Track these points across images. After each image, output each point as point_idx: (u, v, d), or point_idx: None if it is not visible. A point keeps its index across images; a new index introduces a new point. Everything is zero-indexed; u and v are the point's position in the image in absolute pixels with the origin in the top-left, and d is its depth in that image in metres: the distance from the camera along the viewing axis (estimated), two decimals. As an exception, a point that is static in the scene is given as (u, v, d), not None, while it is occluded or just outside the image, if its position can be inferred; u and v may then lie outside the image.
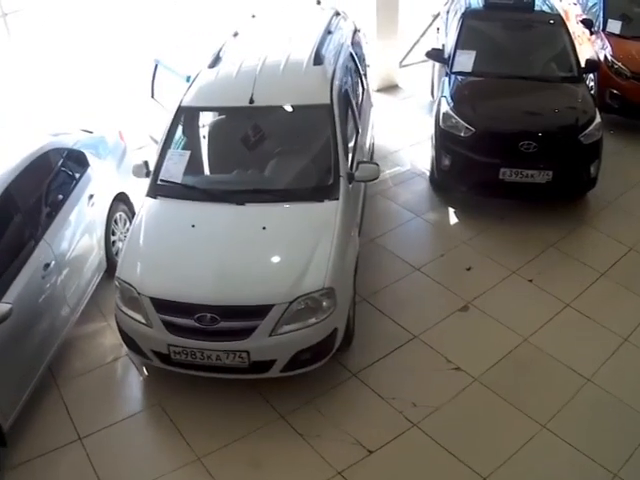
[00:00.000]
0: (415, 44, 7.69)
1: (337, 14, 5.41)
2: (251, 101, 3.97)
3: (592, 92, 6.34)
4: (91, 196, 4.27)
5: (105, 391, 3.76)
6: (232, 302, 3.25)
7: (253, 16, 5.31)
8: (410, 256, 4.74)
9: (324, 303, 3.35)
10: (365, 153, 4.76)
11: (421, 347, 4.00)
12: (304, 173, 4.01)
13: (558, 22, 5.75)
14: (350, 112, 4.50)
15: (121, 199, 4.63)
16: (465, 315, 4.24)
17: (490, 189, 4.98)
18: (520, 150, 4.75)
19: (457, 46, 5.49)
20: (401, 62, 7.58)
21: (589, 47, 6.77)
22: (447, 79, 5.42)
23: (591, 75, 6.51)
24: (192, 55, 5.34)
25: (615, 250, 4.87)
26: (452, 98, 5.16)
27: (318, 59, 4.25)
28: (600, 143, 5.01)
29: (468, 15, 5.72)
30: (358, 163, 4.01)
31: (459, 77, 5.37)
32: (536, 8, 5.84)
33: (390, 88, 7.25)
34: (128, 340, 3.60)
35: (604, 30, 6.63)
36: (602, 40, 6.57)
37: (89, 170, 4.37)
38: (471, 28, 5.61)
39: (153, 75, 5.77)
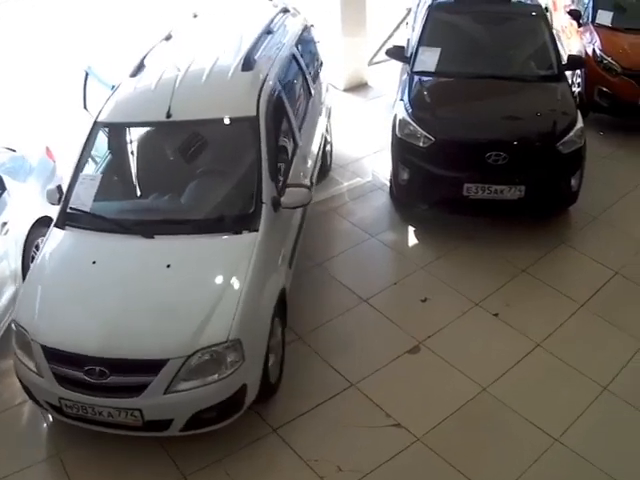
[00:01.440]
0: (387, 40, 6.99)
1: (285, 11, 4.79)
2: (168, 115, 3.41)
3: (575, 92, 5.71)
4: (4, 224, 3.74)
5: (7, 436, 3.24)
6: (121, 355, 2.80)
7: (195, 16, 4.70)
8: (358, 285, 4.11)
9: (229, 357, 2.82)
10: (308, 170, 4.14)
11: (358, 398, 3.37)
12: (222, 200, 3.44)
13: (537, 14, 5.04)
14: (287, 124, 3.92)
15: (47, 223, 3.95)
16: (414, 358, 3.60)
17: (454, 207, 4.34)
18: (487, 162, 4.10)
19: (420, 42, 4.82)
20: (371, 59, 6.93)
21: (577, 41, 6.09)
22: (407, 80, 4.76)
23: (578, 71, 5.84)
24: (123, 62, 4.66)
25: (598, 275, 4.20)
26: (411, 102, 4.50)
27: (248, 64, 3.67)
28: (582, 151, 4.35)
29: (435, 7, 5.02)
30: (285, 187, 3.42)
31: (421, 78, 4.69)
32: (514, 3, 5.18)
33: (359, 87, 6.60)
34: (24, 387, 3.15)
35: (593, 22, 5.95)
36: (591, 33, 5.87)
37: (5, 195, 3.86)
38: (437, 22, 4.91)
39: (84, 85, 5.18)
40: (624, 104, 5.55)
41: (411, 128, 4.30)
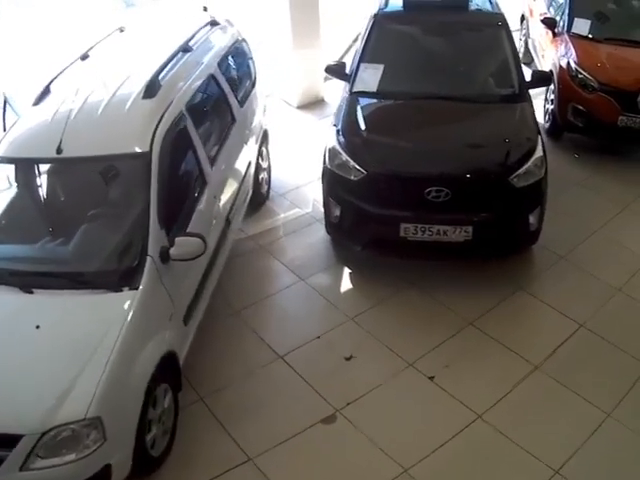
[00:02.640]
0: (346, 51, 6.43)
1: (214, 24, 4.23)
2: (59, 151, 2.97)
3: (548, 109, 5.18)
4: None
5: None
6: (-25, 426, 2.49)
7: (121, 30, 4.14)
8: (277, 338, 3.54)
9: (88, 436, 2.43)
10: (221, 211, 3.56)
11: (253, 475, 2.83)
12: (106, 250, 2.95)
13: (498, 24, 4.38)
14: (193, 159, 3.36)
15: None
16: (328, 430, 3.03)
17: (391, 249, 3.73)
18: (427, 199, 3.50)
19: (362, 58, 4.21)
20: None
21: (551, 52, 5.46)
22: (344, 102, 4.16)
23: (552, 86, 5.15)
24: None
25: (559, 329, 3.58)
26: (343, 128, 3.91)
27: (151, 90, 3.17)
28: (542, 184, 3.73)
29: (380, 17, 4.39)
30: (174, 237, 2.93)
31: (359, 99, 4.08)
32: (471, 7, 4.47)
33: (314, 104, 5.96)
34: None
35: (569, 31, 5.28)
36: (565, 44, 5.22)
37: None
38: (382, 35, 4.31)
39: (3, 110, 4.92)
40: (601, 124, 4.89)
41: (342, 159, 3.72)
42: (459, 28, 4.35)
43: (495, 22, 4.41)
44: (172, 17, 4.75)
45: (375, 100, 4.14)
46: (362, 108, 4.01)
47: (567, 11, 5.37)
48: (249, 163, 4.22)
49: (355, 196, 3.64)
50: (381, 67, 4.08)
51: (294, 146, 5.39)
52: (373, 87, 4.05)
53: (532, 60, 6.48)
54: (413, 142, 3.75)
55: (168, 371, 2.89)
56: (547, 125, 5.41)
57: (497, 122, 3.92)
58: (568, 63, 5.06)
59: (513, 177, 3.57)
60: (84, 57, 3.74)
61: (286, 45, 5.74)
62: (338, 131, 3.90)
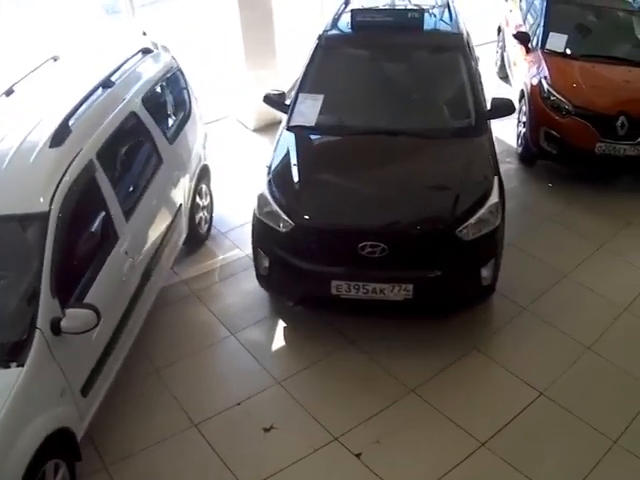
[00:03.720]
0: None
1: (146, 51, 3.82)
2: None
3: (516, 143, 4.74)
4: None
5: None
6: None
7: (55, 59, 3.70)
8: (194, 402, 3.13)
9: None
10: (137, 269, 3.14)
11: None
12: None
13: (455, 47, 3.90)
14: (104, 214, 2.93)
15: None
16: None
17: (325, 307, 3.31)
18: (360, 255, 3.05)
19: (301, 88, 3.78)
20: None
21: (524, 70, 4.97)
22: (280, 138, 3.72)
23: (524, 107, 4.74)
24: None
25: (515, 397, 3.11)
26: (274, 171, 3.48)
27: (58, 137, 2.78)
28: (498, 232, 3.25)
29: (324, 41, 3.93)
30: (69, 306, 2.58)
31: (296, 136, 3.63)
32: (426, 27, 3.96)
33: (271, 127, 5.40)
34: None
35: (543, 47, 4.79)
36: (538, 61, 4.73)
37: None
38: (326, 60, 3.86)
39: None
40: (577, 151, 4.42)
41: (271, 207, 3.27)
42: (412, 52, 3.91)
43: (452, 44, 3.94)
44: (109, 43, 4.30)
45: (312, 137, 3.68)
46: (297, 146, 3.56)
47: (542, 24, 4.89)
48: (179, 206, 3.80)
49: (284, 249, 3.22)
50: (321, 98, 3.64)
51: (245, 175, 4.90)
52: (311, 121, 3.60)
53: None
54: (348, 189, 3.28)
55: (60, 446, 2.55)
56: (519, 150, 4.98)
57: (447, 162, 3.42)
58: (540, 83, 4.59)
59: (462, 229, 3.10)
60: (9, 93, 3.33)
61: (240, 65, 5.33)
62: (269, 174, 3.46)
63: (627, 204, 4.59)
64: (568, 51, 4.73)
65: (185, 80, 4.26)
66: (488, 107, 3.81)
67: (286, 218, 3.19)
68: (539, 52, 4.79)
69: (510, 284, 3.68)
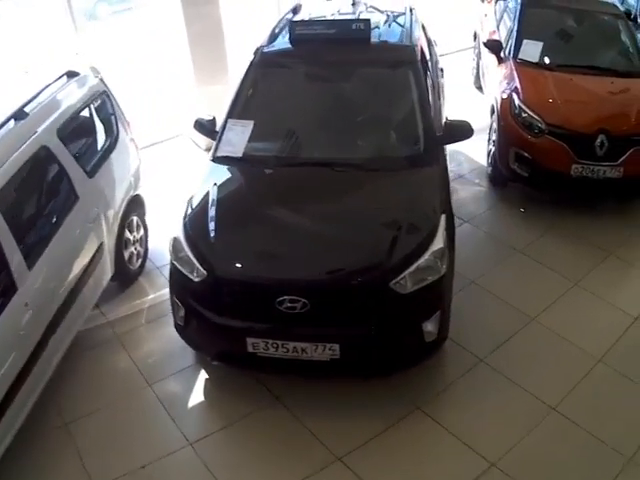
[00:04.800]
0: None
1: (71, 75, 3.42)
2: None
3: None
4: None
5: None
6: None
7: None
8: (98, 465, 2.74)
9: None
10: (40, 321, 2.70)
11: None
12: None
13: (404, 61, 3.40)
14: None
15: None
16: None
17: (244, 364, 2.87)
18: (279, 310, 2.64)
19: (230, 113, 3.33)
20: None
21: (494, 83, 4.46)
22: (204, 170, 3.26)
23: (495, 125, 4.24)
24: None
25: (463, 469, 2.65)
26: (192, 210, 3.04)
27: None
28: (444, 282, 2.78)
29: (260, 59, 3.45)
30: None
31: (222, 168, 3.18)
32: (374, 39, 3.47)
33: None
34: None
35: (516, 57, 4.28)
36: (510, 73, 4.22)
37: None
38: (260, 81, 3.40)
39: None
40: (551, 174, 3.92)
41: (184, 253, 2.85)
42: (356, 68, 3.43)
43: (400, 58, 3.45)
44: (40, 66, 4.01)
45: (239, 170, 3.21)
46: (220, 181, 3.11)
47: (515, 31, 4.37)
48: (100, 245, 3.38)
49: (197, 299, 2.81)
50: (250, 125, 3.19)
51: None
52: (238, 151, 3.15)
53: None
54: (268, 234, 2.84)
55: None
56: (489, 170, 4.48)
57: (386, 199, 2.95)
58: (510, 98, 4.10)
59: (398, 280, 2.65)
60: None
61: (190, 81, 4.91)
62: (186, 216, 3.03)
63: (609, 232, 4.09)
64: (544, 61, 4.21)
65: (112, 105, 3.84)
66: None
67: (199, 266, 2.77)
68: (511, 62, 4.29)
69: (466, 330, 3.25)
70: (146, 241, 4.09)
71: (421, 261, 2.70)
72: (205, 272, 2.76)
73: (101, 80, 3.85)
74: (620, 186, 3.98)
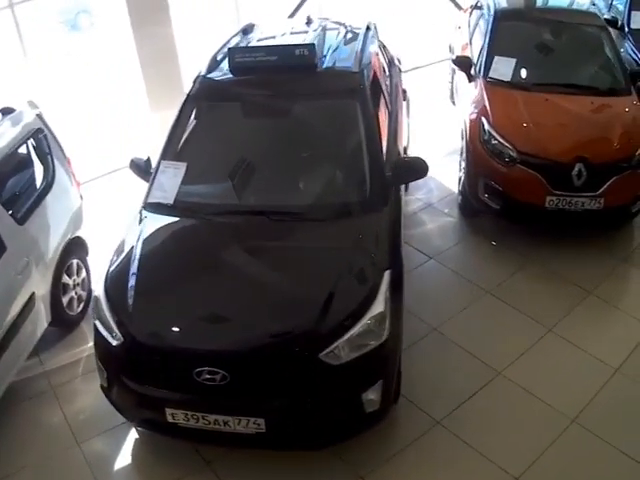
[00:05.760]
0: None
1: (5, 112, 3.21)
2: None
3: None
4: None
5: None
6: None
7: None
8: None
9: None
10: None
11: None
12: None
13: (350, 90, 3.03)
14: None
15: None
16: None
17: (166, 432, 2.57)
18: (198, 381, 2.34)
19: (164, 154, 2.98)
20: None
21: (464, 104, 4.09)
22: (134, 218, 2.95)
23: (464, 151, 3.88)
24: None
25: None
26: (115, 266, 2.73)
27: None
28: (385, 348, 2.44)
29: (197, 90, 3.08)
30: None
31: (151, 216, 2.85)
32: (321, 65, 3.10)
33: None
34: None
35: (486, 75, 3.90)
36: (480, 93, 3.85)
37: None
38: (198, 115, 3.04)
39: None
40: (524, 207, 3.56)
41: (104, 313, 2.57)
42: (299, 100, 3.07)
43: (346, 87, 3.06)
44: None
45: (168, 220, 2.87)
46: (146, 234, 2.78)
47: (486, 46, 3.97)
48: (32, 295, 3.10)
49: (116, 364, 2.54)
50: (183, 167, 2.87)
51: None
52: (170, 198, 2.84)
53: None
54: (190, 297, 2.53)
55: None
56: (460, 199, 4.12)
57: (321, 256, 2.63)
58: (480, 122, 3.71)
59: (330, 351, 2.32)
60: None
61: (143, 107, 4.67)
62: (108, 270, 2.74)
63: (589, 266, 3.71)
64: (517, 79, 3.81)
65: (49, 143, 3.58)
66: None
67: (116, 330, 2.50)
68: (481, 81, 3.91)
69: (423, 387, 2.93)
70: (89, 284, 3.81)
71: (357, 328, 2.38)
72: (122, 337, 2.49)
73: (38, 116, 3.62)
74: (601, 218, 3.64)
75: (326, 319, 2.38)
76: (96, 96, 6.09)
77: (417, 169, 2.95)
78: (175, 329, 2.48)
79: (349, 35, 3.66)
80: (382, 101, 3.41)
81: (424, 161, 2.99)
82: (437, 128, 5.10)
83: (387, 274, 2.56)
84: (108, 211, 4.38)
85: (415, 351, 3.06)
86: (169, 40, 4.55)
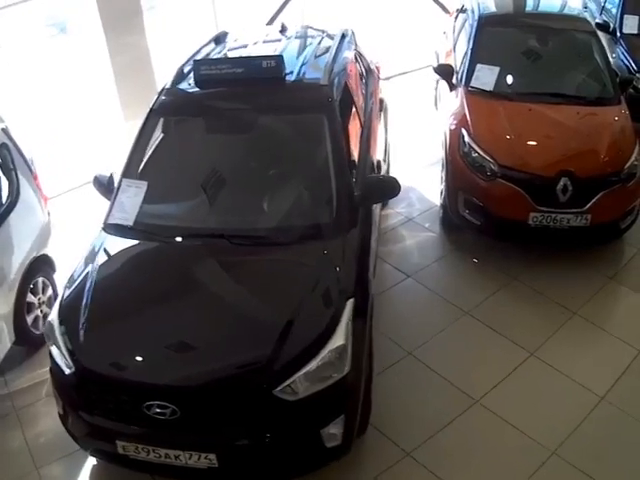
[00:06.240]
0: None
1: None
2: None
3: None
4: None
5: None
6: None
7: None
8: None
9: None
10: None
11: None
12: None
13: (318, 105, 2.85)
14: None
15: None
16: None
17: (119, 463, 2.42)
18: (148, 415, 2.20)
19: (125, 172, 2.82)
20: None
21: (444, 115, 3.90)
22: (93, 243, 2.76)
23: (444, 163, 3.70)
24: None
25: None
26: (70, 290, 2.58)
27: None
28: (348, 381, 2.26)
29: (160, 107, 2.89)
30: None
31: (111, 239, 2.69)
32: (290, 77, 2.95)
33: None
34: None
35: (468, 84, 3.72)
36: (460, 103, 3.64)
37: None
38: (161, 132, 2.88)
39: None
40: (506, 223, 3.38)
41: (56, 340, 2.44)
42: (266, 115, 2.89)
43: (313, 102, 2.89)
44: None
45: (127, 243, 2.70)
46: (103, 258, 2.63)
47: (469, 54, 3.78)
48: None
49: (69, 393, 2.41)
50: (144, 186, 2.71)
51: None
52: (130, 219, 2.69)
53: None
54: (140, 328, 2.39)
55: None
56: (441, 213, 3.93)
57: (281, 283, 2.44)
58: (460, 134, 3.54)
59: (286, 386, 2.17)
60: None
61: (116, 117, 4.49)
62: (63, 294, 2.59)
63: (575, 284, 3.50)
64: (501, 89, 3.59)
65: (13, 158, 3.43)
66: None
67: (68, 358, 2.37)
68: (462, 90, 3.73)
69: (394, 416, 2.76)
70: (55, 302, 3.66)
71: (315, 362, 2.22)
72: (73, 365, 2.36)
73: (3, 130, 3.50)
74: (588, 235, 3.44)
75: (282, 352, 2.23)
76: (70, 105, 5.83)
77: (387, 189, 2.79)
78: (125, 361, 2.34)
79: (323, 44, 3.48)
80: (354, 114, 3.23)
81: (395, 180, 2.83)
82: (421, 136, 4.90)
83: (350, 303, 2.39)
84: (78, 226, 4.12)
85: (387, 377, 2.92)
86: (143, 50, 4.40)
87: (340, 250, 2.57)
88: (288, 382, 2.21)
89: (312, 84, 3.00)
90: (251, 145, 2.95)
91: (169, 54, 5.32)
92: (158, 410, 2.22)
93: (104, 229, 2.82)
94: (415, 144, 4.87)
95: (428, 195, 4.24)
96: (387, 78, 6.19)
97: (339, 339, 2.28)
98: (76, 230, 4.09)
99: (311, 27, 4.02)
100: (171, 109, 3.04)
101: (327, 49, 3.36)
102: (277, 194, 2.78)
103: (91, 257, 2.74)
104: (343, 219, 2.65)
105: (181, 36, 6.33)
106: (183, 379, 2.26)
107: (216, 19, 5.00)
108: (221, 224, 2.72)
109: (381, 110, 3.90)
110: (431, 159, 4.40)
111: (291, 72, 3.07)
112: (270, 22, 5.49)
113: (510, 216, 3.36)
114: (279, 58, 2.99)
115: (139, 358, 2.33)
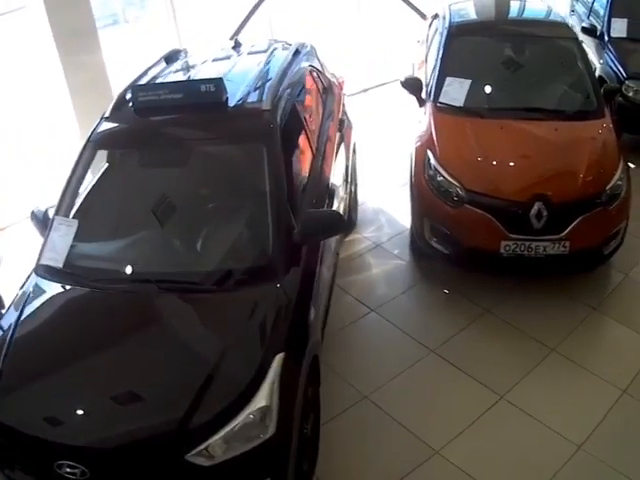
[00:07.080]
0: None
1: None
2: None
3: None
4: None
5: None
6: None
7: None
8: None
9: None
10: None
11: None
12: None
13: (257, 133, 2.62)
14: None
15: None
16: None
17: None
18: (58, 473, 2.02)
19: (58, 209, 2.58)
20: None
21: (414, 133, 3.60)
22: (23, 288, 2.56)
23: (410, 187, 3.40)
24: None
25: None
26: (13, 332, 2.37)
27: None
28: (275, 444, 2.04)
29: (95, 139, 2.66)
30: None
31: (41, 282, 2.49)
32: (232, 101, 2.69)
33: None
34: None
35: (436, 99, 3.42)
36: (427, 121, 3.34)
37: None
38: (98, 165, 2.69)
39: None
40: (476, 253, 3.09)
41: None
42: (204, 145, 2.65)
43: (253, 130, 2.66)
44: None
45: (56, 287, 2.47)
46: (28, 305, 2.38)
47: (438, 65, 3.48)
48: None
49: None
50: (74, 225, 2.50)
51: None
52: (60, 261, 2.47)
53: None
54: (55, 384, 2.16)
55: None
56: (410, 239, 3.66)
57: (204, 335, 2.21)
58: (425, 155, 3.25)
59: (201, 450, 1.95)
60: None
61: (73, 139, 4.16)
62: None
63: (553, 317, 3.21)
64: (471, 104, 3.29)
65: None
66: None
67: None
68: (430, 106, 3.45)
69: (344, 469, 2.50)
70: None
71: (234, 424, 2.00)
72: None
73: None
74: (567, 263, 3.15)
75: (197, 413, 2.01)
76: (26, 126, 5.54)
77: (329, 224, 2.53)
78: (36, 418, 2.12)
79: (274, 61, 3.19)
80: (304, 139, 2.98)
81: (337, 214, 2.65)
82: (395, 153, 4.56)
83: (279, 358, 2.15)
84: (32, 258, 3.80)
85: (339, 423, 2.66)
86: (100, 69, 4.10)
87: (274, 296, 2.33)
88: (203, 446, 2.00)
89: (253, 109, 2.75)
90: (187, 180, 2.73)
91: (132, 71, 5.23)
92: (68, 470, 2.04)
93: (35, 271, 2.62)
94: (388, 162, 4.58)
95: (399, 218, 3.97)
96: (365, 90, 5.79)
97: (261, 400, 2.06)
98: (30, 263, 3.49)
99: (276, 40, 3.77)
100: (107, 141, 2.80)
101: (276, 67, 3.08)
102: (211, 234, 2.56)
103: (19, 302, 2.52)
104: (279, 260, 2.40)
105: (148, 52, 6.12)
106: (92, 440, 2.06)
107: (179, 33, 4.80)
108: (150, 267, 2.50)
109: (341, 130, 3.59)
110: (404, 179, 4.00)
111: (233, 95, 2.80)
112: (234, 36, 5.24)
113: (480, 245, 3.08)
114: (219, 81, 2.75)
115: (51, 416, 2.13)
